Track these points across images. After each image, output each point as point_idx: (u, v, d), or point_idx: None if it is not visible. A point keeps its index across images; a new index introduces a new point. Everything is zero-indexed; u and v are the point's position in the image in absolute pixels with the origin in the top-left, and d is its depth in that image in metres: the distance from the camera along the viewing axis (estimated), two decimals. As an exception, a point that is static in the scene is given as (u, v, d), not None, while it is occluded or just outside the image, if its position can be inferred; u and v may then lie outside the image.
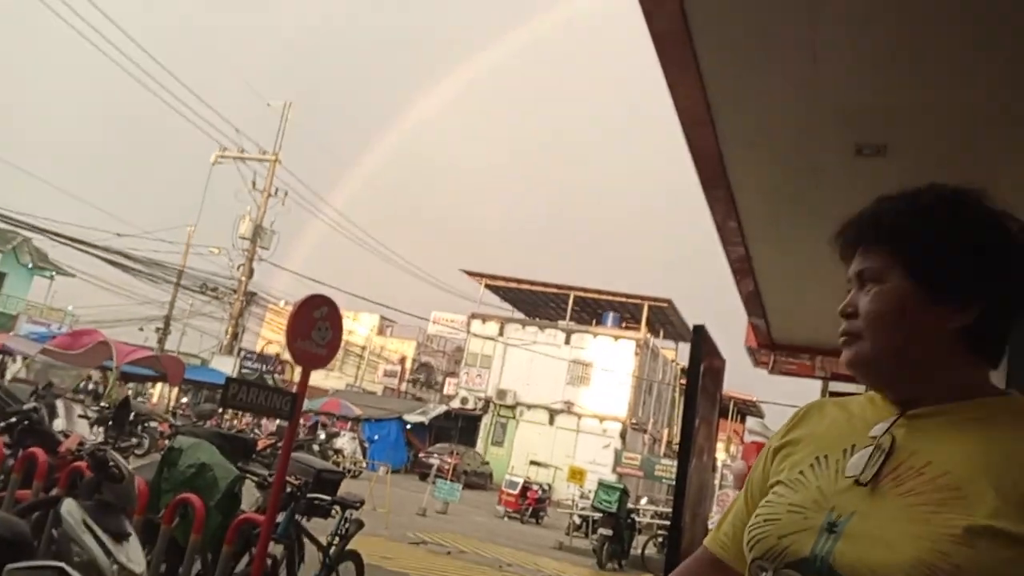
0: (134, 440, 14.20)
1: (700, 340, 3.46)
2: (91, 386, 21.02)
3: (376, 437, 29.35)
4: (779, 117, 3.84)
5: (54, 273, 38.00)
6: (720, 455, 28.57)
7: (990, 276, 1.00)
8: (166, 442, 15.58)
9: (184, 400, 28.37)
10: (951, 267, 1.00)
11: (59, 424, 9.40)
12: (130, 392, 25.54)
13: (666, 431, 40.35)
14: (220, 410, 20.56)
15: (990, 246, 1.00)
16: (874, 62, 3.23)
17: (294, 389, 4.52)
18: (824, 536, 0.96)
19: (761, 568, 1.02)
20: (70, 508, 3.80)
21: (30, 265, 37.87)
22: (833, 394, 13.20)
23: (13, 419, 5.90)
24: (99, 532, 3.74)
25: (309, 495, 5.07)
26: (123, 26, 18.67)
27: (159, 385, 27.91)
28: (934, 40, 3.02)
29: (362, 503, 5.55)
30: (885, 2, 2.85)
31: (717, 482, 13.51)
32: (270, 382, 23.05)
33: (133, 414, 15.52)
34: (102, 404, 16.08)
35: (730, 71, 3.52)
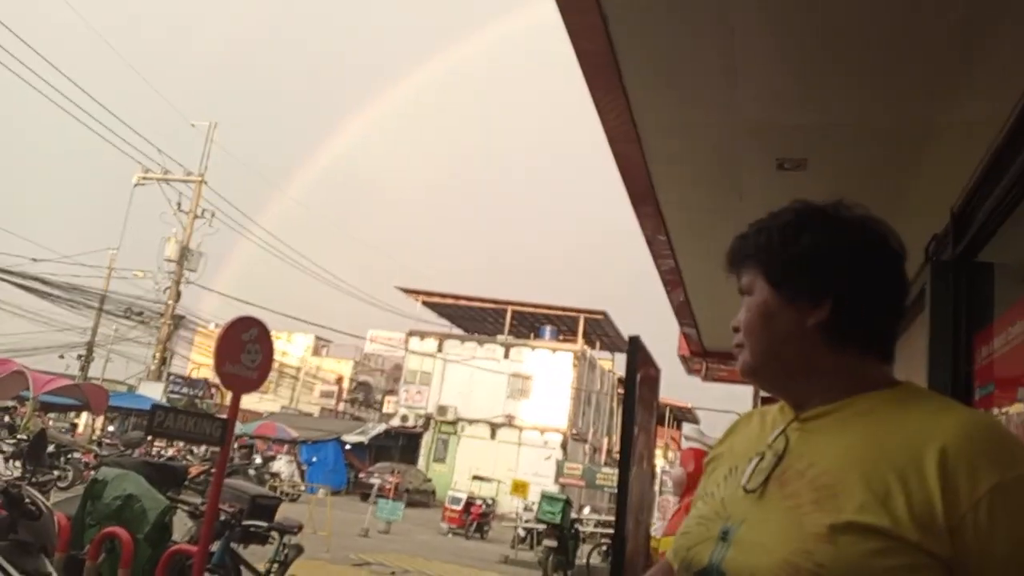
0: (56, 473, 13.50)
1: (636, 351, 3.53)
2: (6, 419, 19.94)
3: (314, 459, 28.70)
4: (703, 134, 3.96)
5: (-36, 300, 35.99)
6: (658, 462, 29.01)
7: (832, 273, 1.06)
8: (91, 473, 14.90)
9: (111, 428, 27.19)
10: (797, 268, 1.07)
11: (-28, 460, 8.92)
12: (51, 422, 24.36)
13: (606, 440, 40.75)
14: (149, 438, 19.80)
15: (830, 246, 1.07)
16: (792, 80, 3.37)
17: (225, 414, 4.40)
18: (719, 545, 1.02)
19: None
20: (-17, 550, 3.59)
21: (-63, 292, 35.75)
22: (764, 399, 13.60)
23: (-80, 458, 5.56)
24: (14, 573, 3.55)
25: (245, 522, 4.93)
26: (35, 45, 17.93)
27: (84, 414, 26.70)
28: (848, 58, 3.17)
29: (300, 527, 5.43)
30: (801, 22, 2.98)
31: (657, 488, 13.70)
32: (202, 407, 22.33)
33: (53, 446, 14.79)
34: (18, 437, 15.26)
35: (654, 90, 3.62)
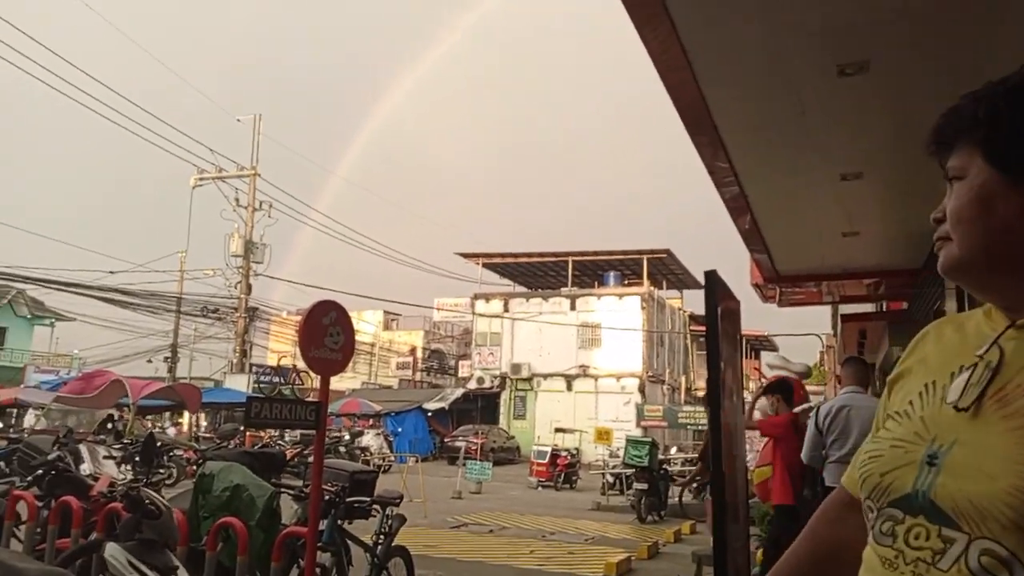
0: (162, 471, 14.24)
1: (713, 285, 3.44)
2: (110, 424, 21.06)
3: (399, 429, 29.50)
4: (757, 48, 3.78)
5: (53, 320, 37.98)
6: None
7: None
8: (194, 468, 15.64)
9: (203, 423, 28.46)
10: None
11: (86, 468, 9.42)
12: (150, 424, 25.63)
13: (683, 378, 40.56)
14: (242, 428, 20.64)
15: None
16: (846, -23, 3.17)
17: (312, 395, 4.50)
18: (925, 470, 0.90)
19: (869, 508, 0.97)
20: (113, 551, 3.81)
21: (28, 316, 37.85)
22: (844, 317, 13.23)
23: (40, 471, 5.91)
24: (146, 570, 3.75)
25: (348, 499, 5.08)
26: (80, 64, 18.45)
27: (187, 413, 28.11)
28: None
29: (401, 498, 5.57)
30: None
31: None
32: (288, 393, 23.10)
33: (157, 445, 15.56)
34: (124, 441, 16.11)
35: (701, 10, 3.46)
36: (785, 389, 6.22)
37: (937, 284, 6.94)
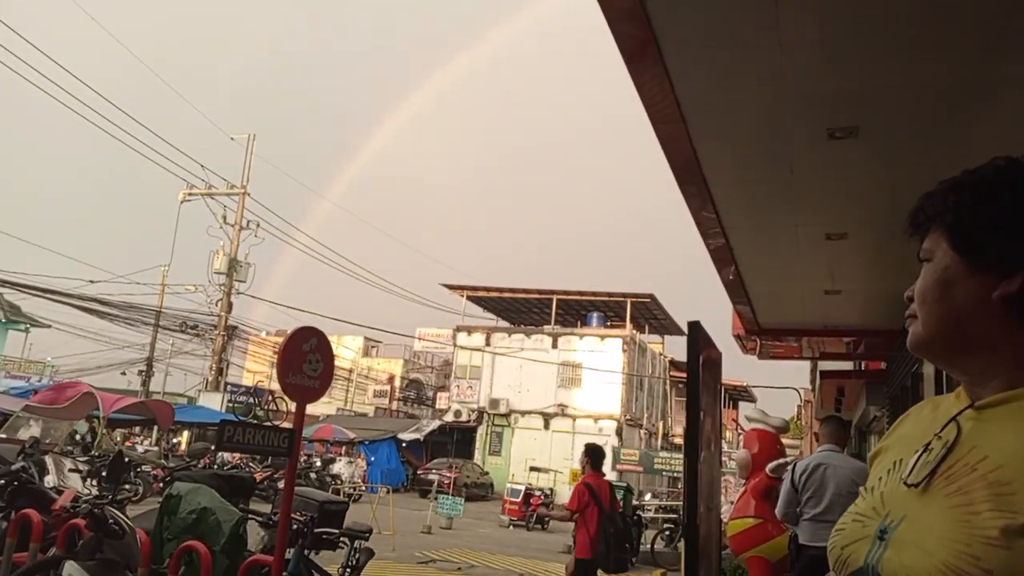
0: (128, 488, 13.95)
1: (696, 336, 3.47)
2: (77, 436, 20.65)
3: (372, 459, 29.15)
4: (749, 108, 3.86)
5: (28, 325, 37.39)
6: (716, 442, 28.57)
7: None
8: (161, 486, 15.34)
9: (174, 441, 28.00)
10: (987, 231, 0.94)
11: (50, 480, 9.24)
12: (118, 438, 25.16)
13: (661, 424, 40.47)
14: (213, 447, 20.33)
15: None
16: (839, 47, 3.26)
17: (287, 420, 4.46)
18: (876, 544, 0.94)
19: None
20: (71, 571, 3.72)
21: (2, 320, 37.26)
22: (823, 373, 13.30)
23: (2, 480, 5.79)
24: (105, 591, 3.66)
25: (316, 530, 5.00)
26: (76, 71, 18.47)
27: (186, 432, 27.73)
28: (895, 23, 3.05)
29: (370, 531, 5.48)
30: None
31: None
32: (261, 415, 22.86)
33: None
34: (92, 454, 15.80)
35: (697, 68, 3.54)
36: (595, 454, 6.75)
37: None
